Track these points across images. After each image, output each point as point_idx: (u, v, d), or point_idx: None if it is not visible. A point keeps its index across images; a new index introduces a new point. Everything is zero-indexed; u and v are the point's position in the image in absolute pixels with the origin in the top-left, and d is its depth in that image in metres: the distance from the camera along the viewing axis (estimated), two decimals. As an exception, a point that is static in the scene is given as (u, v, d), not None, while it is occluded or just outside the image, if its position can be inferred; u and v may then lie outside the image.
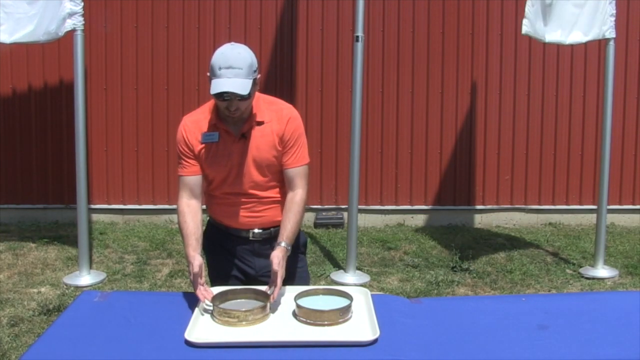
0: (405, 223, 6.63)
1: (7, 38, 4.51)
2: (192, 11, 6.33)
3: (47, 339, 1.92)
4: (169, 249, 5.55)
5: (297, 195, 2.35)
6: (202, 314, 2.05)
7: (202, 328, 1.94)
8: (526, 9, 4.67)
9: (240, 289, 2.19)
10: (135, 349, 1.83)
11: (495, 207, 6.68)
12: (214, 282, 2.48)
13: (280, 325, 1.98)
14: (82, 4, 4.61)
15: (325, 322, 1.95)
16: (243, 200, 2.38)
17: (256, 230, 2.41)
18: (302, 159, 2.39)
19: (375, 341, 1.85)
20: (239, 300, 2.12)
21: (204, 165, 2.39)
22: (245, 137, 2.33)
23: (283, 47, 6.34)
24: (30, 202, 6.44)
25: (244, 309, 2.00)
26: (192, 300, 2.15)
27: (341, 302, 2.06)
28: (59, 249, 5.50)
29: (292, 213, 2.32)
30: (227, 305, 2.08)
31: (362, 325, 1.96)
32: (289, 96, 6.22)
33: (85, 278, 4.75)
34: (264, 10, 6.35)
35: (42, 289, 4.57)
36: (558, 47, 6.01)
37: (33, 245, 5.59)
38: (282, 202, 2.40)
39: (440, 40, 6.45)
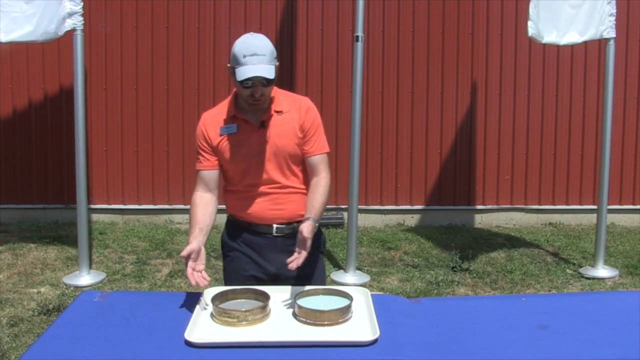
0: (405, 223, 6.63)
1: (2, 37, 4.48)
2: (192, 11, 6.33)
3: (47, 339, 1.92)
4: (168, 249, 5.55)
5: (322, 180, 2.39)
6: (202, 309, 2.06)
7: (202, 328, 1.94)
8: (530, 11, 4.65)
9: (240, 289, 2.19)
10: (135, 349, 1.83)
11: (495, 207, 6.68)
12: (229, 283, 2.45)
13: (280, 325, 1.97)
14: (82, 4, 4.61)
15: (325, 322, 1.95)
16: (265, 191, 2.39)
17: (279, 225, 2.41)
18: (323, 146, 2.44)
19: (375, 341, 1.84)
20: (239, 300, 2.12)
21: (224, 159, 2.39)
22: (264, 125, 2.36)
23: (283, 47, 6.34)
24: (30, 202, 6.45)
25: (244, 309, 1.99)
26: (192, 300, 2.14)
27: (341, 302, 2.06)
28: (59, 249, 5.50)
29: (319, 193, 2.35)
30: (227, 305, 2.08)
31: (362, 325, 1.96)
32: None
33: (85, 278, 4.75)
34: (264, 10, 6.35)
35: (42, 289, 4.57)
36: (558, 47, 6.00)
37: (33, 245, 5.59)
38: (303, 194, 2.42)
39: (440, 40, 6.45)
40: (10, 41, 4.56)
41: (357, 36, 4.74)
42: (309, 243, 2.16)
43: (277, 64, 2.31)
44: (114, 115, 6.40)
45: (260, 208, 2.40)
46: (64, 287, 4.63)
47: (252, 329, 1.95)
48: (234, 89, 2.38)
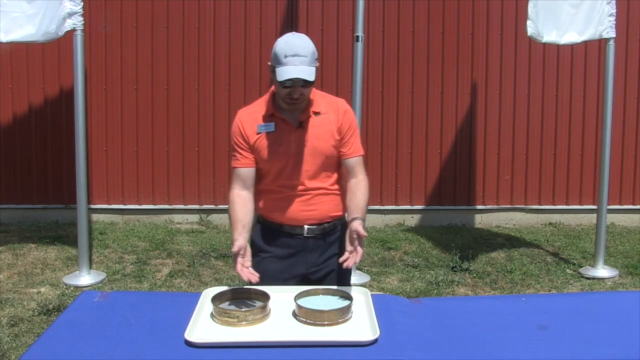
0: (405, 223, 6.63)
1: (3, 37, 4.46)
2: (192, 11, 6.33)
3: (47, 339, 1.92)
4: (168, 249, 5.55)
5: (362, 181, 2.42)
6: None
7: (202, 328, 1.94)
8: (529, 10, 4.66)
9: (240, 289, 2.19)
10: (135, 349, 1.83)
11: (495, 207, 6.68)
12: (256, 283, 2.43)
13: (280, 325, 1.97)
14: (82, 4, 4.61)
15: (325, 322, 1.95)
16: (298, 192, 2.40)
17: (310, 226, 2.42)
18: (359, 149, 2.46)
19: (375, 341, 1.85)
20: (239, 300, 2.12)
21: (260, 157, 2.39)
22: (302, 126, 2.37)
23: (283, 47, 6.33)
24: (30, 202, 6.44)
25: (244, 309, 2.00)
26: (192, 300, 2.14)
27: (341, 302, 2.06)
28: (59, 249, 5.50)
29: (361, 193, 2.39)
30: (227, 305, 2.08)
31: (362, 325, 1.96)
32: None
33: (85, 278, 4.75)
34: (264, 10, 6.35)
35: (42, 289, 4.57)
36: (558, 47, 6.00)
37: (33, 245, 5.59)
38: (335, 195, 2.45)
39: (440, 40, 6.45)
40: (11, 41, 4.54)
41: (357, 36, 4.74)
42: (362, 243, 2.20)
43: (318, 65, 2.32)
44: (114, 115, 6.40)
45: (292, 209, 2.41)
46: (64, 287, 4.63)
47: (252, 329, 1.95)
48: (272, 87, 2.39)
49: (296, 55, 2.21)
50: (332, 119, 2.39)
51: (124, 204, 6.50)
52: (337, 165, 2.45)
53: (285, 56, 2.22)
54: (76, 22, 4.59)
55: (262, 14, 6.35)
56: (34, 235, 5.95)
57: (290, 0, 6.36)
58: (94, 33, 6.14)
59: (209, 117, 6.42)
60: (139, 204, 6.51)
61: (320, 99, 2.42)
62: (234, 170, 2.43)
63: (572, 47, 6.05)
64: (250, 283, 2.23)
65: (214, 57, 6.38)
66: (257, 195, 2.47)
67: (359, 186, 2.40)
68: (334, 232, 2.48)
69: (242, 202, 2.39)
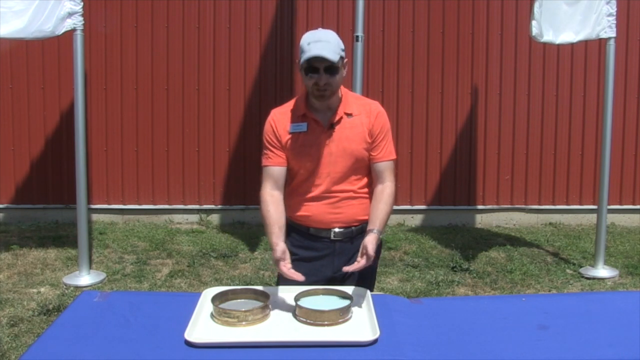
0: (405, 223, 6.63)
1: None
2: (192, 11, 6.34)
3: (47, 339, 1.91)
4: (168, 249, 5.55)
5: (387, 188, 2.39)
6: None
7: (202, 328, 1.94)
8: (534, 10, 4.65)
9: (240, 289, 2.19)
10: (135, 349, 1.83)
11: (495, 207, 6.68)
12: (283, 284, 2.37)
13: (280, 325, 1.97)
14: (82, 3, 4.61)
15: (325, 322, 1.95)
16: (327, 194, 2.39)
17: (337, 230, 2.41)
18: (390, 153, 2.43)
19: (375, 341, 1.84)
20: (239, 300, 2.12)
21: (291, 157, 2.39)
22: (334, 127, 2.36)
23: (283, 47, 6.34)
24: (30, 202, 6.45)
25: (244, 309, 1.99)
26: (192, 300, 2.14)
27: (341, 302, 2.06)
28: (59, 249, 5.50)
29: (383, 203, 2.35)
30: (227, 305, 2.07)
31: (362, 325, 1.96)
32: (288, 97, 6.20)
33: (85, 278, 4.74)
34: (264, 10, 6.35)
35: (42, 289, 4.57)
36: (558, 47, 6.00)
37: (33, 245, 5.59)
38: (364, 199, 2.43)
39: (440, 40, 6.45)
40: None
41: (357, 36, 4.73)
42: (372, 259, 2.18)
43: (346, 60, 2.32)
44: (114, 115, 6.40)
45: (320, 211, 2.40)
46: (64, 287, 4.63)
47: (252, 329, 1.94)
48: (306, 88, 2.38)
49: (319, 41, 2.22)
50: (364, 121, 2.37)
51: (124, 204, 6.51)
52: (367, 168, 2.42)
53: (309, 43, 2.22)
54: (76, 22, 4.58)
55: (262, 14, 6.35)
56: (34, 235, 5.95)
57: (290, 0, 6.36)
58: (94, 33, 6.14)
59: (209, 117, 6.42)
60: (139, 204, 6.51)
61: (353, 100, 2.42)
62: (264, 169, 2.41)
63: (572, 47, 6.05)
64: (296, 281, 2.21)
65: (214, 57, 6.38)
66: (286, 196, 2.45)
67: (383, 194, 2.37)
68: (361, 236, 2.42)
69: (275, 202, 2.36)
